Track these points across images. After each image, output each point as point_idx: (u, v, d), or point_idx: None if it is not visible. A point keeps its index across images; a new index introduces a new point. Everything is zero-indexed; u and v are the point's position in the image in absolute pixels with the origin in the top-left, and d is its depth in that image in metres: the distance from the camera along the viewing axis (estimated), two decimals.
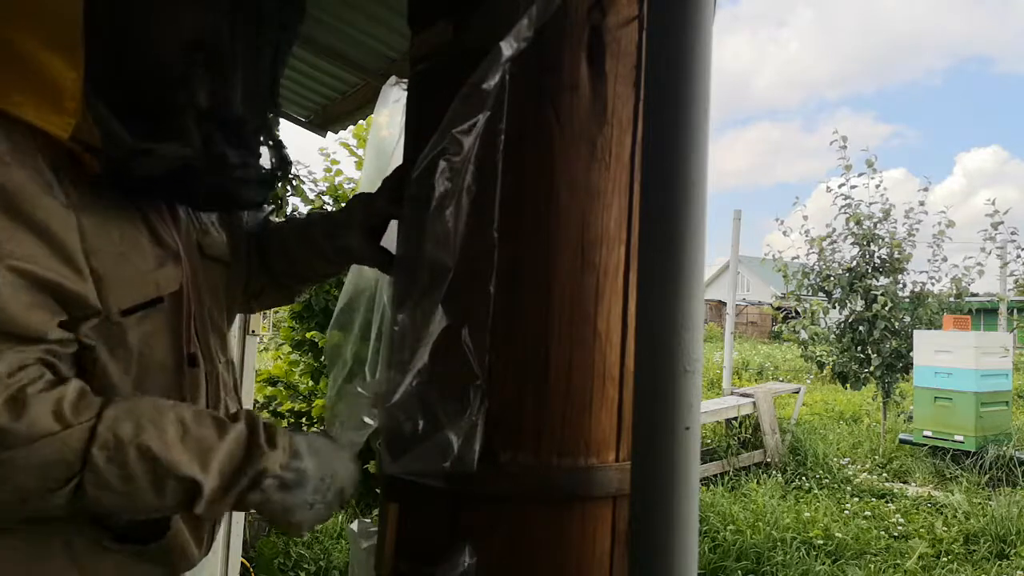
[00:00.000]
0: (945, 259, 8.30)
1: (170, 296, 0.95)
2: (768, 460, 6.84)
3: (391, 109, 1.32)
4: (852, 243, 8.29)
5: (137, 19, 0.88)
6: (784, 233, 8.82)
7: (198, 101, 0.90)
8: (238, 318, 2.88)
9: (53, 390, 0.77)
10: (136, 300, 0.89)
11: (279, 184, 1.06)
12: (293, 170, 5.09)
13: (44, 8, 0.81)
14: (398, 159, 1.19)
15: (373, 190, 1.10)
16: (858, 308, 7.98)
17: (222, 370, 1.09)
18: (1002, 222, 8.46)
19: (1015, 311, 12.09)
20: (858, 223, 8.21)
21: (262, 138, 1.04)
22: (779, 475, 6.46)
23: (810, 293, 8.70)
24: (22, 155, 0.79)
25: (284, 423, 5.49)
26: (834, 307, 8.45)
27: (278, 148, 1.07)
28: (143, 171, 0.86)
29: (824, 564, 4.43)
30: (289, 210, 4.77)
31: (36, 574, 0.84)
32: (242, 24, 0.95)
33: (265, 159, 1.05)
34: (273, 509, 0.86)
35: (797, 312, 9.13)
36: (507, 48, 0.86)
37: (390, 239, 1.11)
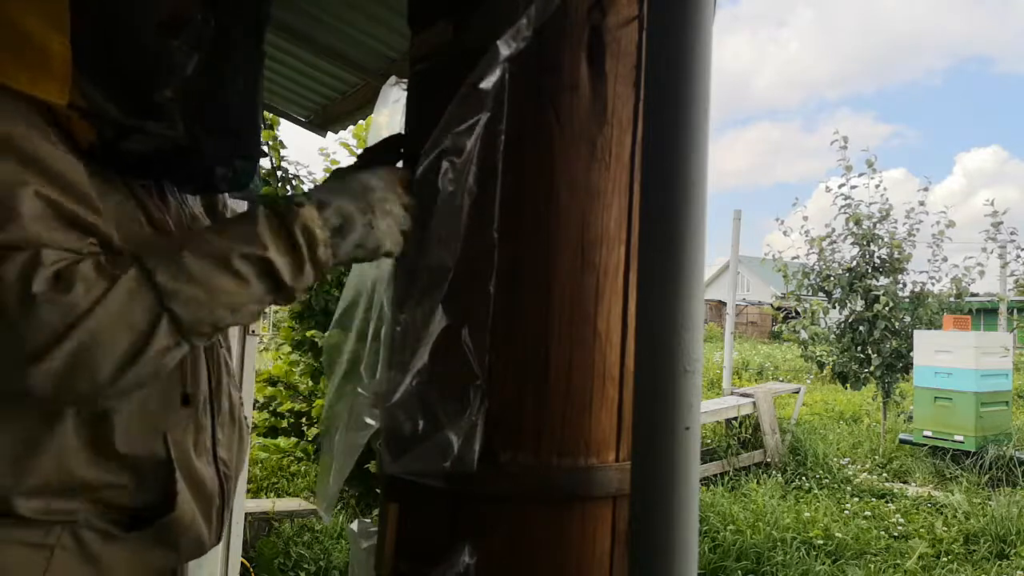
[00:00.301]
0: (945, 259, 8.31)
1: None
2: (768, 460, 6.84)
3: (391, 109, 1.32)
4: (852, 243, 8.29)
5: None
6: (784, 233, 8.82)
7: (173, 83, 0.91)
8: None
9: (87, 260, 0.77)
10: None
11: (256, 168, 1.08)
12: (293, 170, 5.07)
13: None
14: None
15: None
16: (858, 308, 7.98)
17: (224, 354, 1.10)
18: (1001, 222, 8.47)
19: (1015, 311, 12.09)
20: (858, 223, 8.21)
21: (240, 123, 1.04)
22: (779, 475, 6.46)
23: (810, 293, 8.70)
24: (26, 114, 0.80)
25: (284, 423, 5.49)
26: (834, 307, 8.45)
27: (253, 134, 1.07)
28: (134, 147, 0.88)
29: (824, 564, 4.43)
30: None
31: (49, 569, 0.84)
32: (219, 7, 0.96)
33: (244, 144, 1.05)
34: (350, 253, 0.87)
35: (797, 312, 9.13)
36: (505, 48, 0.86)
37: None
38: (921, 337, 7.49)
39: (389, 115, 1.32)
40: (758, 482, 6.13)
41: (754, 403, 7.20)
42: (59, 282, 0.74)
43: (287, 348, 5.41)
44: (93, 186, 0.85)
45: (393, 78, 1.34)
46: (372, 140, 1.34)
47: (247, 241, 0.81)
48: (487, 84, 0.86)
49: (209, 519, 1.00)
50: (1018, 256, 8.83)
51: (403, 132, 1.08)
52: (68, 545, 0.86)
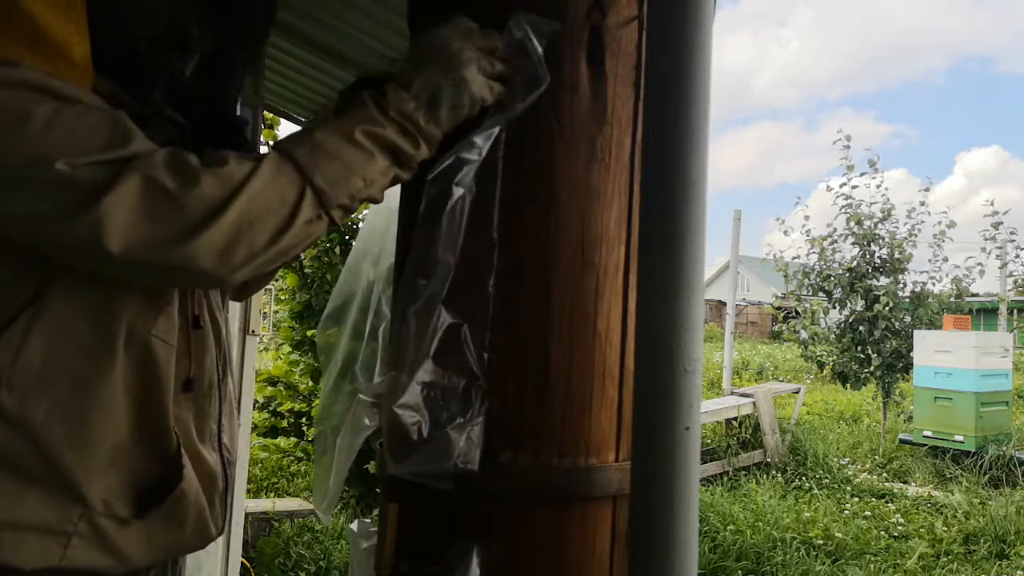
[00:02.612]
0: (946, 259, 8.32)
1: None
2: (768, 460, 6.84)
3: None
4: (853, 243, 8.30)
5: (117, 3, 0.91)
6: (785, 233, 8.83)
7: (165, 86, 0.95)
8: (238, 318, 2.89)
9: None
10: None
11: None
12: None
13: None
14: None
15: None
16: (858, 308, 7.98)
17: (227, 342, 1.11)
18: (1001, 223, 8.48)
19: (1015, 311, 12.09)
20: (859, 223, 8.21)
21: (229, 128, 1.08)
22: (779, 475, 6.46)
23: (810, 293, 8.70)
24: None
25: (284, 423, 5.49)
26: (834, 307, 8.45)
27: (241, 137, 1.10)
28: (152, 131, 0.90)
29: (824, 564, 4.43)
30: None
31: (66, 556, 0.85)
32: (211, 18, 0.99)
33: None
34: (450, 116, 0.89)
35: (797, 312, 9.13)
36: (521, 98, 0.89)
37: (390, 238, 1.11)
38: (921, 337, 7.49)
39: None
40: (758, 482, 6.13)
41: (754, 403, 7.20)
42: (210, 163, 0.79)
43: (287, 348, 5.41)
44: None
45: None
46: None
47: (365, 120, 0.85)
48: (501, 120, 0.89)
49: (212, 503, 1.01)
50: (1017, 256, 8.84)
51: None
52: (85, 532, 0.86)
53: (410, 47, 0.94)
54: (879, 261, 8.17)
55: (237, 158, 0.81)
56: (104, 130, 0.78)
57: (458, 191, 0.87)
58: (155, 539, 0.93)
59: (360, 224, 4.92)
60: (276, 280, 5.58)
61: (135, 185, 0.75)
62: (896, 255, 8.08)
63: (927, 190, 8.61)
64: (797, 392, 8.56)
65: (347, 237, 4.90)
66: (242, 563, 3.06)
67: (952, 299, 8.26)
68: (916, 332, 7.62)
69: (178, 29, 0.96)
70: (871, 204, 8.25)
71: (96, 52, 0.87)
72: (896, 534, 5.09)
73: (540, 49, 0.88)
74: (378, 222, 1.29)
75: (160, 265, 0.78)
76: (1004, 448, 6.67)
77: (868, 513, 5.51)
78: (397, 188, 1.11)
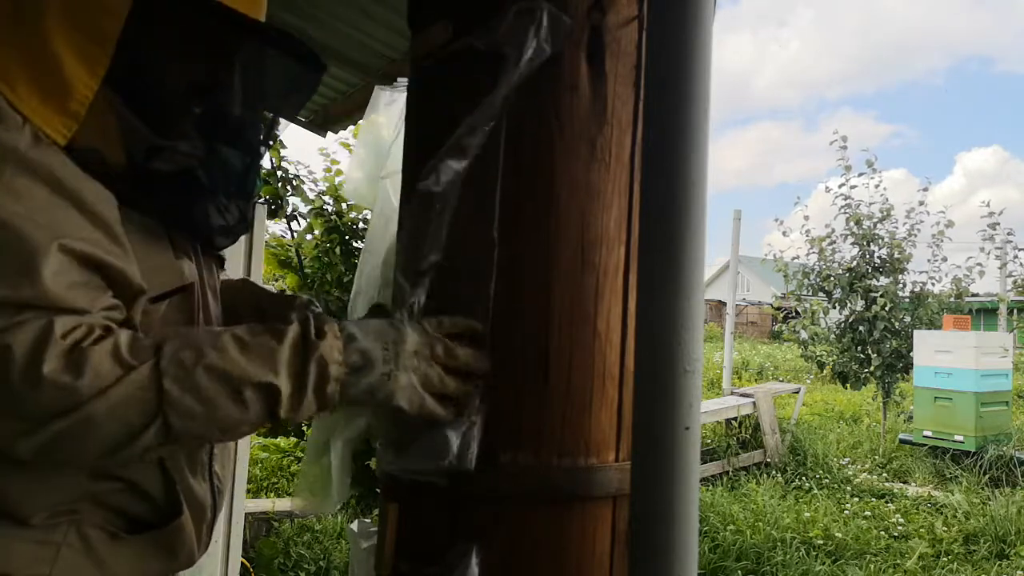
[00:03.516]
0: (945, 259, 8.31)
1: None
2: (768, 460, 6.84)
3: (382, 112, 1.32)
4: (852, 243, 8.29)
5: (156, 53, 0.90)
6: (784, 233, 8.83)
7: (192, 142, 0.93)
8: None
9: (106, 339, 0.78)
10: (165, 287, 0.91)
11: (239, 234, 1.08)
12: (293, 170, 5.06)
13: (86, 15, 0.82)
14: (393, 160, 1.19)
15: (366, 191, 1.11)
16: (858, 308, 7.97)
17: None
18: (998, 223, 8.48)
19: (1015, 311, 12.08)
20: (858, 223, 8.21)
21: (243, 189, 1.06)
22: (779, 475, 6.45)
23: (810, 293, 8.70)
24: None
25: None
26: (834, 307, 8.45)
27: (248, 202, 1.07)
28: (162, 165, 0.89)
29: (824, 564, 4.43)
30: (289, 210, 4.78)
31: (56, 566, 0.85)
32: (243, 83, 0.98)
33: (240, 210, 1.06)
34: (359, 396, 0.85)
35: (797, 312, 9.12)
36: (520, 70, 0.87)
37: (390, 233, 1.11)
38: (921, 337, 7.49)
39: (381, 118, 1.32)
40: (758, 482, 6.13)
41: (754, 403, 7.20)
42: (70, 363, 0.74)
43: None
44: (121, 211, 0.86)
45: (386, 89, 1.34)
46: (370, 140, 1.34)
47: (264, 364, 0.81)
48: (499, 96, 0.87)
49: (200, 532, 1.01)
50: (1015, 257, 8.84)
51: (403, 132, 1.08)
52: (74, 543, 0.86)
53: (376, 311, 0.91)
54: (879, 261, 8.17)
55: (103, 367, 0.75)
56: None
57: (445, 194, 0.87)
58: (146, 559, 0.93)
59: (360, 224, 4.93)
60: (276, 280, 5.58)
61: None
62: (895, 255, 8.08)
63: (926, 190, 8.61)
64: (797, 392, 8.56)
65: (347, 237, 4.90)
66: (242, 563, 3.06)
67: (952, 299, 8.26)
68: (916, 332, 7.62)
69: (208, 86, 0.95)
70: (870, 204, 8.26)
71: (133, 90, 0.87)
72: (896, 534, 5.09)
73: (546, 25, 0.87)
74: (378, 223, 1.29)
75: None
76: (1004, 448, 6.67)
77: (868, 513, 5.50)
78: (397, 188, 1.11)
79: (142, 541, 0.92)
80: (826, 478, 6.43)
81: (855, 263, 8.19)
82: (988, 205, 8.62)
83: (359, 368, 0.84)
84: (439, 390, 0.87)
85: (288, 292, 5.15)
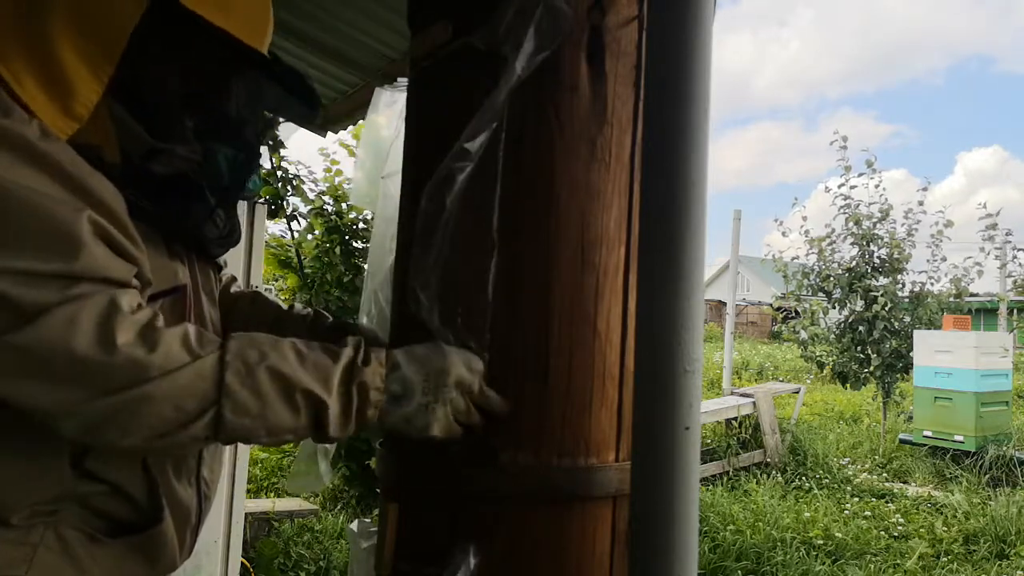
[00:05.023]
0: (944, 259, 8.31)
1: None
2: (768, 460, 6.84)
3: (382, 112, 1.32)
4: (852, 243, 8.29)
5: (159, 68, 0.91)
6: (783, 234, 8.83)
7: (190, 146, 0.94)
8: None
9: (176, 326, 0.80)
10: (161, 287, 0.91)
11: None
12: (293, 170, 5.07)
13: (95, 21, 0.83)
14: (393, 160, 1.19)
15: (368, 189, 1.11)
16: (858, 308, 7.97)
17: None
18: (996, 223, 8.49)
19: (1015, 311, 12.09)
20: (857, 223, 8.21)
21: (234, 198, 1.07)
22: (779, 475, 6.45)
23: (810, 293, 8.70)
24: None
25: None
26: (834, 307, 8.45)
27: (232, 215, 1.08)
28: (159, 167, 0.89)
29: (824, 564, 4.42)
30: (289, 210, 4.78)
31: (32, 566, 0.84)
32: (242, 96, 1.00)
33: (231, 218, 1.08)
34: (396, 423, 0.88)
35: (797, 312, 9.13)
36: (520, 67, 0.87)
37: (391, 231, 1.11)
38: (921, 337, 7.49)
39: (382, 118, 1.33)
40: (758, 482, 6.13)
41: (754, 403, 7.20)
42: (144, 337, 0.76)
43: None
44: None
45: (388, 88, 1.34)
46: (370, 140, 1.35)
47: (318, 380, 0.84)
48: (500, 99, 0.87)
49: (183, 538, 1.01)
50: (1014, 257, 8.84)
51: (403, 131, 1.08)
52: (51, 544, 0.86)
53: (429, 343, 0.91)
54: (878, 261, 8.17)
55: (173, 349, 0.77)
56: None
57: (451, 201, 0.87)
58: (125, 563, 0.92)
59: (360, 224, 4.92)
60: (276, 280, 5.58)
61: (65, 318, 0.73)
62: (895, 255, 8.08)
63: (925, 190, 8.61)
64: (797, 392, 8.56)
65: (347, 237, 4.90)
66: (242, 563, 3.06)
67: (951, 299, 8.26)
68: (916, 332, 7.62)
69: (205, 95, 0.96)
70: (870, 204, 8.26)
71: (135, 95, 0.87)
72: (896, 534, 5.09)
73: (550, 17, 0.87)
74: (380, 224, 1.29)
75: (36, 408, 0.76)
76: (1004, 448, 6.67)
77: (868, 513, 5.50)
78: (397, 189, 1.11)
79: (122, 545, 0.91)
80: (826, 478, 6.43)
81: (855, 263, 8.20)
82: (985, 207, 8.64)
83: (398, 397, 0.87)
84: (464, 420, 0.89)
85: (288, 293, 5.15)
